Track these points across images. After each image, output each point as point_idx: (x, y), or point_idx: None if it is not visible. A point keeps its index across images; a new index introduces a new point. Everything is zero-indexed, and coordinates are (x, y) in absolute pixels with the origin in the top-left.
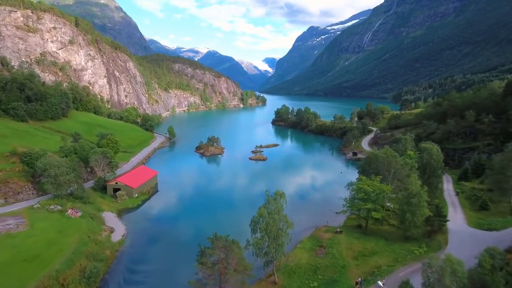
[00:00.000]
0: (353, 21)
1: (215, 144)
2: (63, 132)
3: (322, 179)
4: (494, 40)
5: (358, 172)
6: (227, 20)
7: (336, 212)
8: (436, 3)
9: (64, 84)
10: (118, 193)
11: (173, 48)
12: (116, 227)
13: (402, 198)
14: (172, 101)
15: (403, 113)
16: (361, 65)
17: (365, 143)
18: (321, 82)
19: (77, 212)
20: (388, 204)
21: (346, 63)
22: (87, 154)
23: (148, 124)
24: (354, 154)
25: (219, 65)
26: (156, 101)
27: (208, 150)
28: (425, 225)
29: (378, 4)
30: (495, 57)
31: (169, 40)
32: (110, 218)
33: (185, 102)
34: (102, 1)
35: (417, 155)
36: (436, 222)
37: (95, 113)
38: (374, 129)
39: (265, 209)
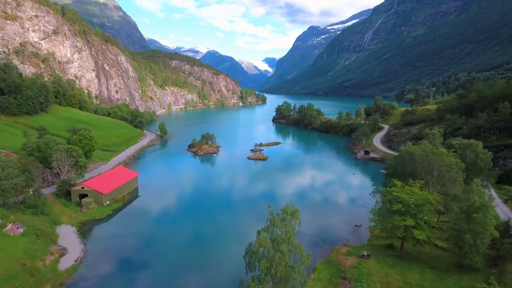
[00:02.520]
0: (353, 21)
1: (209, 141)
2: (39, 129)
3: (332, 183)
4: (497, 38)
5: (385, 175)
6: (227, 19)
7: (356, 225)
8: (437, 2)
9: (46, 77)
10: (84, 200)
11: (173, 48)
12: (71, 247)
13: (458, 212)
14: (168, 98)
15: (418, 108)
16: (362, 64)
17: (377, 141)
18: (322, 82)
19: (18, 228)
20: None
21: (347, 62)
22: (52, 153)
23: (137, 121)
24: (366, 152)
25: (219, 65)
26: (151, 98)
27: (202, 148)
28: (488, 249)
29: (379, 3)
30: (499, 55)
31: (169, 40)
32: (66, 234)
33: (182, 100)
34: (101, 0)
35: (452, 153)
36: (506, 246)
37: (80, 108)
38: (385, 126)
39: (267, 234)
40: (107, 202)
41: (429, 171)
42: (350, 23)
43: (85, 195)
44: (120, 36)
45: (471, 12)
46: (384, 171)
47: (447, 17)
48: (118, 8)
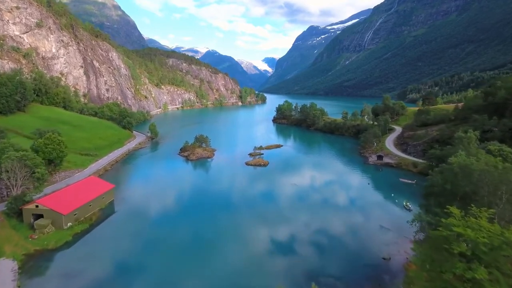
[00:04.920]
0: (353, 21)
1: (203, 144)
2: (12, 130)
3: (345, 195)
4: (499, 38)
5: (424, 195)
6: (226, 19)
7: (384, 258)
8: (438, 1)
9: (29, 74)
10: (37, 222)
11: (172, 48)
12: None
13: None
14: (165, 97)
15: (432, 108)
16: (362, 64)
17: (389, 143)
18: (322, 81)
19: None
20: None
21: (347, 62)
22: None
23: (126, 121)
24: (379, 157)
25: (219, 65)
26: (146, 97)
27: (195, 152)
28: None
29: (379, 3)
30: (501, 55)
31: (168, 40)
32: (2, 274)
33: (179, 99)
34: (100, 0)
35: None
36: None
37: (64, 107)
38: (396, 127)
39: None
40: (69, 224)
41: (494, 192)
42: (350, 23)
43: (41, 216)
44: (119, 35)
45: (472, 12)
46: (404, 180)
47: (448, 16)
48: (117, 8)
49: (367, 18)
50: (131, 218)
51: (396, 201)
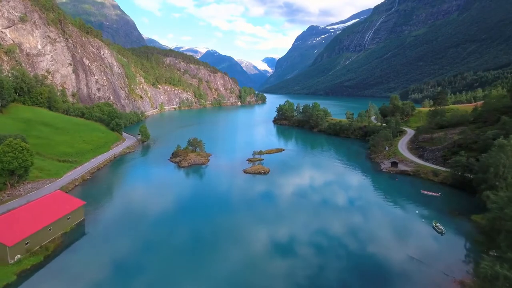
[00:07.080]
0: (353, 20)
1: (197, 149)
2: None
3: (361, 212)
4: (501, 37)
5: (485, 231)
6: (225, 19)
7: None
8: (439, 1)
9: (10, 72)
10: None
11: (172, 48)
12: None
13: None
14: (161, 97)
15: (447, 108)
16: (363, 64)
17: (402, 148)
18: (322, 81)
19: None
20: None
21: (347, 62)
22: None
23: (115, 123)
24: (394, 164)
25: (218, 65)
26: (141, 96)
27: (187, 158)
28: None
29: (379, 2)
30: (503, 54)
31: (168, 40)
32: None
33: (176, 99)
34: None
35: None
36: None
37: (49, 108)
38: (406, 129)
39: None
40: (17, 257)
41: None
42: (350, 22)
43: None
44: (119, 35)
45: (473, 11)
46: (426, 193)
47: (449, 16)
48: (116, 7)
49: (367, 18)
50: (103, 244)
51: (423, 220)
